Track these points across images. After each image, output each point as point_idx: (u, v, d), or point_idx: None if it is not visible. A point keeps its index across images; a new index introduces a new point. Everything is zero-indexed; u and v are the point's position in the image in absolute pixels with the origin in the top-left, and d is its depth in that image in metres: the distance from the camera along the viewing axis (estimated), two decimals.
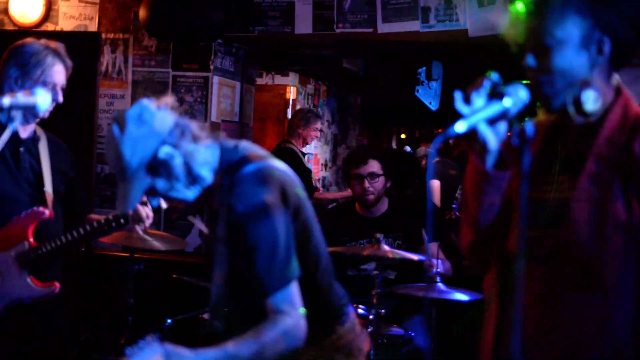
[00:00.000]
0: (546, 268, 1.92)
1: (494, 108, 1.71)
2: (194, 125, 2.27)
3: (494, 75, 1.75)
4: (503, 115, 1.73)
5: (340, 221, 4.35)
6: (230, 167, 2.25)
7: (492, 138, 1.80)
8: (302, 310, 2.18)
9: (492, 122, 1.75)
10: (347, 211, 4.44)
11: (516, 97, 1.72)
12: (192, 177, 2.24)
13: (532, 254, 1.91)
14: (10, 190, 3.13)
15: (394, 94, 8.69)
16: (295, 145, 6.61)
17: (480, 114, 1.71)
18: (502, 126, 1.78)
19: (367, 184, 4.19)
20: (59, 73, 3.14)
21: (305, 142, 6.80)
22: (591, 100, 1.93)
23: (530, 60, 1.95)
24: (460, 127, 1.63)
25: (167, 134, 2.19)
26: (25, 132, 3.20)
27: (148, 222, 3.25)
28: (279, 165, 2.33)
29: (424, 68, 8.00)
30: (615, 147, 1.89)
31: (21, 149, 3.17)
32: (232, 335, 2.19)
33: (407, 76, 8.21)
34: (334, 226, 4.27)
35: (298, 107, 8.23)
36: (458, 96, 1.73)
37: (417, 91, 8.11)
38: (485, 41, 4.79)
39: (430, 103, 8.19)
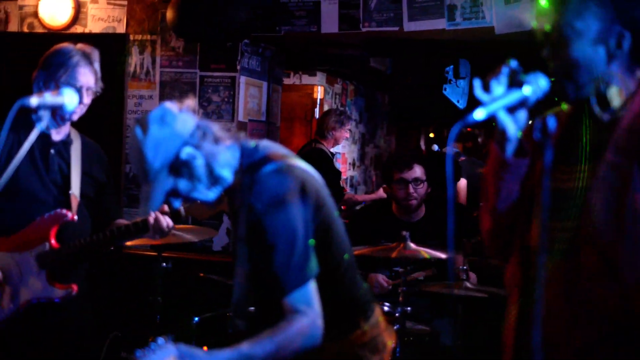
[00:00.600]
0: (566, 260, 1.91)
1: (513, 96, 1.72)
2: (215, 127, 2.30)
3: (513, 63, 1.75)
4: (522, 103, 1.73)
5: (375, 220, 4.34)
6: (251, 167, 2.27)
7: (512, 126, 1.80)
8: (318, 309, 2.19)
9: (511, 110, 1.76)
10: (383, 211, 4.41)
11: (536, 85, 1.72)
12: (214, 178, 2.27)
13: (553, 246, 1.90)
14: (36, 191, 3.17)
15: (422, 93, 8.67)
16: (325, 145, 6.62)
17: (499, 102, 1.71)
18: (522, 114, 1.78)
19: (411, 189, 4.16)
20: (84, 75, 3.16)
21: (336, 143, 6.82)
22: (615, 96, 1.92)
23: (549, 51, 1.95)
24: (479, 114, 1.63)
25: (188, 135, 2.22)
26: (58, 135, 3.24)
27: (168, 233, 3.25)
28: (299, 163, 2.34)
29: (452, 66, 7.97)
30: (635, 137, 1.88)
31: (51, 151, 3.20)
32: (255, 334, 2.21)
33: (435, 75, 8.19)
34: (368, 223, 4.26)
35: (325, 106, 8.24)
36: (477, 84, 1.73)
37: (445, 89, 8.09)
38: (512, 38, 4.76)
39: (458, 101, 8.15)
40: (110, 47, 4.95)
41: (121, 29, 5.40)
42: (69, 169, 3.22)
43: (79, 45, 3.25)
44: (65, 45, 3.23)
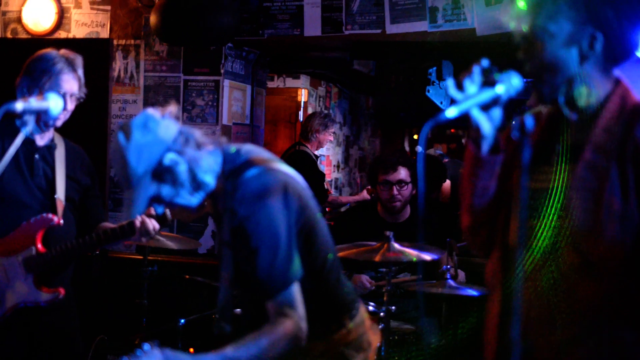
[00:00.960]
0: (546, 258, 1.95)
1: (486, 94, 1.75)
2: (197, 133, 2.34)
3: (485, 62, 1.79)
4: (495, 101, 1.77)
5: (360, 221, 4.37)
6: (233, 172, 2.30)
7: (486, 123, 1.84)
8: (302, 312, 2.22)
9: (485, 107, 1.80)
10: (369, 212, 4.45)
11: (509, 83, 1.76)
12: (197, 183, 2.30)
13: (532, 243, 1.94)
14: (22, 196, 3.18)
15: (405, 95, 8.72)
16: (309, 148, 6.65)
17: (472, 100, 1.74)
18: (496, 112, 1.82)
19: (395, 192, 4.21)
20: (67, 81, 3.18)
21: (320, 146, 6.85)
22: (583, 96, 1.96)
23: (524, 53, 1.99)
24: (451, 112, 1.67)
25: (171, 141, 2.25)
26: (42, 140, 3.26)
27: (154, 234, 3.28)
28: (281, 167, 2.38)
29: (435, 68, 8.02)
30: (612, 137, 1.92)
31: (36, 156, 3.22)
32: (240, 337, 2.24)
33: (418, 76, 8.23)
34: (353, 224, 4.30)
35: (310, 109, 8.27)
36: (451, 83, 1.77)
37: (428, 91, 8.13)
38: (494, 39, 4.81)
39: (441, 103, 8.20)
40: (94, 52, 4.96)
41: (105, 34, 5.40)
42: (53, 173, 3.24)
43: (63, 51, 3.27)
44: (49, 51, 3.25)
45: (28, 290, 3.12)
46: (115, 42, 5.38)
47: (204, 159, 2.30)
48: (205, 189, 2.32)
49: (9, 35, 5.55)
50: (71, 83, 3.19)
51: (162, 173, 2.24)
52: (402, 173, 4.26)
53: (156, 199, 2.29)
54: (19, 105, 2.37)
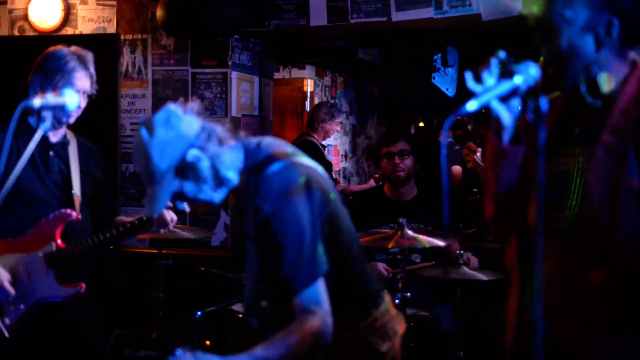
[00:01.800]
0: (564, 239, 1.97)
1: (505, 85, 1.76)
2: (219, 129, 2.33)
3: (503, 54, 1.80)
4: (514, 92, 1.77)
5: (369, 205, 4.43)
6: (255, 167, 2.30)
7: (506, 114, 1.84)
8: (328, 308, 2.22)
9: (504, 99, 1.80)
10: (376, 195, 4.52)
11: (526, 74, 1.76)
12: (219, 180, 2.30)
13: (550, 225, 1.95)
14: (39, 193, 3.21)
15: (411, 82, 8.72)
16: (315, 138, 6.66)
17: (491, 92, 1.75)
18: (515, 103, 1.83)
19: (397, 160, 4.31)
20: (80, 79, 3.21)
21: (327, 136, 6.86)
22: (605, 82, 1.97)
23: (540, 38, 1.99)
24: (472, 105, 1.67)
25: (194, 137, 2.25)
26: (55, 136, 3.28)
27: (172, 226, 3.33)
28: (304, 160, 2.37)
29: (440, 55, 8.02)
30: (630, 118, 1.93)
31: (50, 153, 3.25)
32: (268, 331, 2.26)
33: (423, 64, 8.22)
34: (363, 210, 4.34)
35: (316, 99, 8.27)
36: (469, 76, 1.77)
37: (434, 78, 8.13)
38: (499, 24, 4.81)
39: (447, 89, 8.20)
40: (101, 48, 4.96)
41: (111, 29, 5.42)
42: (68, 169, 3.27)
43: (74, 48, 3.28)
44: (60, 48, 3.26)
45: (50, 285, 3.15)
46: (122, 37, 5.39)
47: (226, 155, 2.30)
48: (228, 185, 2.32)
49: (16, 33, 5.56)
50: (84, 80, 3.21)
51: (185, 169, 2.24)
52: (403, 144, 4.35)
53: (178, 195, 2.29)
54: (36, 102, 2.38)
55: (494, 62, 1.80)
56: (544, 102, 1.75)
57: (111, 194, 3.60)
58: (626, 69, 1.99)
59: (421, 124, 12.74)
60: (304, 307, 2.20)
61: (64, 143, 3.31)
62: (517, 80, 1.76)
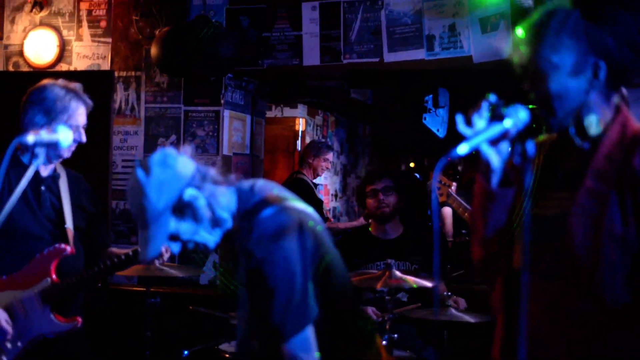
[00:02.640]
0: (549, 282, 1.97)
1: (495, 129, 1.78)
2: (212, 171, 2.36)
3: (493, 98, 1.82)
4: (504, 135, 1.79)
5: (354, 244, 4.43)
6: (248, 211, 2.32)
7: (495, 158, 1.87)
8: (317, 355, 2.23)
9: (493, 142, 1.82)
10: (362, 234, 4.52)
11: (516, 117, 1.79)
12: (215, 220, 2.31)
13: (535, 268, 1.96)
14: (32, 228, 3.21)
15: (402, 123, 8.77)
16: (306, 176, 6.68)
17: (481, 136, 1.77)
18: (504, 146, 1.85)
19: (381, 197, 4.31)
20: (81, 115, 3.25)
21: (315, 173, 6.86)
22: (593, 125, 1.99)
23: (529, 85, 2.02)
24: (462, 149, 1.70)
25: (190, 177, 2.28)
26: (46, 171, 3.29)
27: (166, 256, 3.33)
28: (296, 204, 2.39)
29: (431, 96, 8.08)
30: (613, 164, 1.95)
31: (42, 188, 3.25)
32: None
33: (415, 104, 8.29)
34: (349, 249, 4.34)
35: (307, 138, 8.31)
36: (460, 119, 1.80)
37: (425, 119, 8.19)
38: (490, 67, 4.87)
39: (437, 130, 8.25)
40: (95, 84, 4.98)
41: (106, 65, 5.45)
42: (60, 203, 3.27)
43: (61, 82, 3.29)
44: (52, 84, 3.27)
45: (47, 321, 3.14)
46: (116, 73, 5.43)
47: (221, 196, 2.31)
48: (222, 227, 2.33)
49: (10, 68, 5.59)
50: (84, 116, 3.25)
51: (182, 208, 2.25)
52: (387, 181, 4.37)
53: (174, 237, 2.30)
54: (30, 138, 2.39)
55: (484, 105, 1.83)
56: (530, 146, 1.77)
57: (103, 226, 3.60)
58: (611, 113, 2.02)
59: (412, 165, 12.79)
60: (292, 355, 2.20)
61: (54, 177, 3.32)
62: (507, 123, 1.79)
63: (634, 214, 1.90)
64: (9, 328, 3.06)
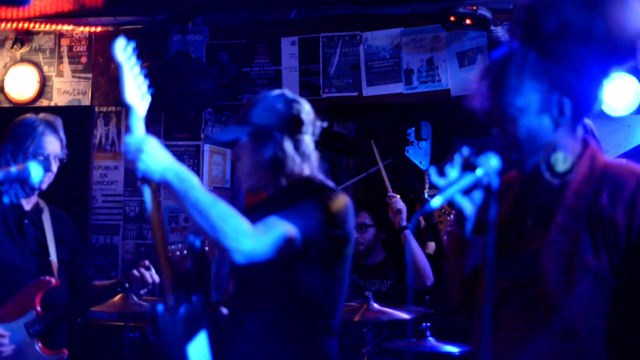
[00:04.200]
0: (520, 317, 1.98)
1: (467, 179, 1.81)
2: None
3: (465, 149, 1.85)
4: (476, 184, 1.82)
5: None
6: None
7: (468, 206, 1.88)
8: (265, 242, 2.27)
9: (467, 191, 1.85)
10: None
11: (488, 166, 1.81)
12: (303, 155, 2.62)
13: (506, 303, 1.98)
14: (17, 262, 3.22)
15: (386, 155, 8.81)
16: None
17: (454, 187, 1.80)
18: (477, 194, 1.87)
19: (356, 235, 4.25)
20: (50, 143, 3.25)
21: None
22: (561, 161, 2.00)
23: (495, 129, 2.03)
24: (436, 201, 1.74)
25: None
26: (28, 205, 3.31)
27: (150, 287, 3.29)
28: None
29: (413, 128, 8.14)
30: (583, 200, 1.96)
31: (25, 221, 3.27)
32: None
33: (397, 137, 8.34)
34: None
35: None
36: (433, 170, 1.84)
37: (407, 152, 8.24)
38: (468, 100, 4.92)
39: (420, 162, 8.30)
40: (75, 119, 5.02)
41: (86, 101, 5.47)
42: (44, 236, 3.29)
43: (42, 115, 3.34)
44: (28, 116, 3.32)
45: (33, 354, 3.15)
46: (96, 109, 5.45)
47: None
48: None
49: None
50: (54, 144, 3.26)
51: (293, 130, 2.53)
52: (362, 216, 4.32)
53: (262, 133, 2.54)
54: None
55: (456, 157, 1.85)
56: (495, 180, 1.80)
57: (87, 260, 3.62)
58: (579, 147, 2.04)
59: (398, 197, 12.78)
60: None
61: (37, 210, 3.34)
62: (479, 172, 1.81)
63: (606, 249, 1.92)
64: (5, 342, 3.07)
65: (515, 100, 1.96)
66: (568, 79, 1.96)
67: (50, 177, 3.27)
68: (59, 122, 3.34)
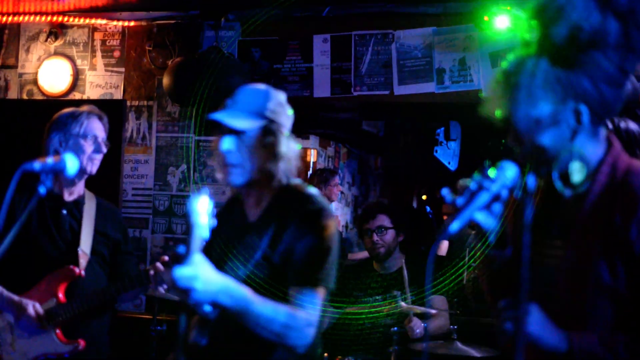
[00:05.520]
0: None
1: (484, 197, 1.76)
2: None
3: (486, 163, 1.81)
4: (495, 198, 1.77)
5: (355, 277, 4.40)
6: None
7: (489, 221, 1.82)
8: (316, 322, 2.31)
9: (486, 207, 1.79)
10: (364, 268, 4.48)
11: (504, 177, 1.76)
12: None
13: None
14: (47, 249, 3.27)
15: (414, 155, 8.79)
16: None
17: (473, 207, 1.76)
18: (497, 207, 1.82)
19: (375, 237, 4.23)
20: (97, 126, 3.34)
21: (330, 200, 6.84)
22: (576, 172, 1.92)
23: (512, 141, 1.97)
24: (455, 226, 1.71)
25: None
26: (70, 196, 3.36)
27: (170, 285, 3.31)
28: None
29: (442, 129, 8.11)
30: (599, 215, 1.90)
31: (63, 211, 3.32)
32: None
33: (426, 137, 8.31)
34: (349, 282, 4.32)
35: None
36: (446, 192, 1.79)
37: (436, 152, 8.20)
38: None
39: (449, 163, 8.27)
40: (107, 113, 5.03)
41: (118, 95, 5.52)
42: (79, 227, 3.31)
43: (86, 107, 3.40)
44: (68, 108, 3.38)
45: (49, 341, 3.18)
46: (128, 103, 5.49)
47: None
48: None
49: (24, 96, 5.67)
50: (100, 128, 3.37)
51: None
52: (382, 219, 4.29)
53: None
54: (36, 165, 2.44)
55: (474, 177, 1.80)
56: (531, 180, 1.76)
57: (129, 256, 3.61)
58: (600, 150, 1.95)
59: (424, 197, 12.76)
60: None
61: (78, 202, 3.37)
62: (494, 188, 1.77)
63: (623, 264, 1.85)
64: (33, 314, 3.13)
65: (529, 111, 1.88)
66: (583, 85, 1.87)
67: (99, 159, 3.32)
68: (97, 109, 3.41)
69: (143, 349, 4.20)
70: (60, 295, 3.20)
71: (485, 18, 4.71)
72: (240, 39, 5.33)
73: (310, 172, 8.30)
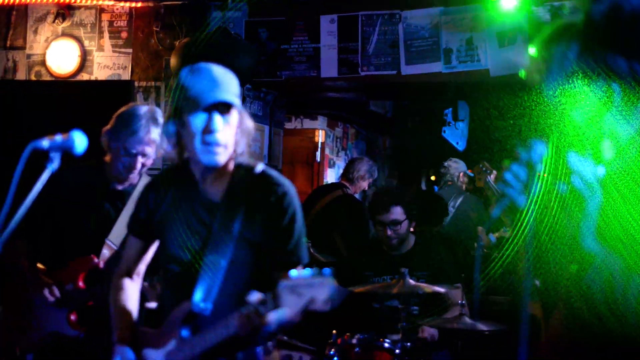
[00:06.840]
0: None
1: (521, 180, 1.77)
2: None
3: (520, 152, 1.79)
4: (532, 177, 1.78)
5: (366, 257, 4.41)
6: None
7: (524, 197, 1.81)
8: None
9: (525, 187, 1.79)
10: (374, 248, 4.48)
11: (535, 155, 1.77)
12: None
13: None
14: (82, 233, 3.31)
15: (422, 135, 8.79)
16: (352, 192, 6.38)
17: (514, 192, 1.76)
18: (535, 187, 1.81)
19: (389, 232, 4.20)
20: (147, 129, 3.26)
21: (358, 191, 6.64)
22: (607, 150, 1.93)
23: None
24: (496, 212, 1.74)
25: None
26: (120, 185, 3.36)
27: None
28: None
29: (450, 109, 8.11)
30: None
31: (107, 199, 3.35)
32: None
33: (434, 117, 8.31)
34: (360, 261, 4.34)
35: (327, 150, 8.32)
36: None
37: (444, 132, 8.21)
38: (507, 80, 4.89)
39: (457, 143, 8.27)
40: (115, 94, 5.08)
41: (126, 76, 5.53)
42: (117, 216, 3.33)
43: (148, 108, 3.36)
44: (137, 106, 3.35)
45: (58, 320, 3.25)
46: (136, 83, 5.50)
47: None
48: None
49: (32, 77, 5.69)
50: (155, 133, 3.24)
51: None
52: (395, 212, 4.21)
53: None
54: (44, 142, 2.46)
55: (505, 166, 1.80)
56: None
57: None
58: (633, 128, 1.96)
59: (433, 178, 12.76)
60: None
61: (125, 192, 3.37)
62: (530, 167, 1.77)
63: None
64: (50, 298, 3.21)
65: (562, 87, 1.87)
66: (618, 64, 1.86)
67: (153, 157, 3.28)
68: (159, 113, 3.34)
69: None
70: (80, 281, 3.27)
71: None
72: (247, 19, 5.33)
73: (318, 152, 8.32)
